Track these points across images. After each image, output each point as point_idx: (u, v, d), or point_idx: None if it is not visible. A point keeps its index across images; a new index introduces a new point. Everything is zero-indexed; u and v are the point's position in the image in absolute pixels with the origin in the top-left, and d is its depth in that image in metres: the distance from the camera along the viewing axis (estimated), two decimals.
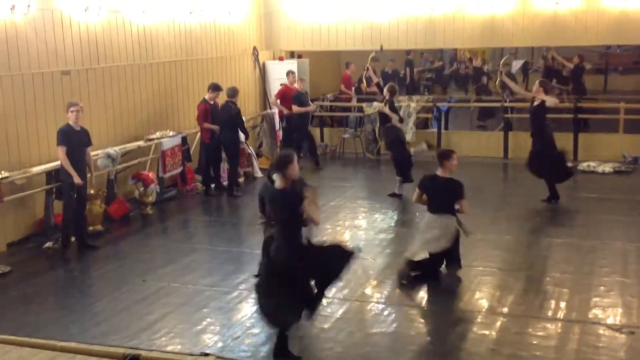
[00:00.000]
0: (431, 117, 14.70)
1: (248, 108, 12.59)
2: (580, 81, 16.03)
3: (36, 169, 8.76)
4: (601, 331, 5.98)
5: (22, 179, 8.54)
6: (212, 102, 11.19)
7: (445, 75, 19.79)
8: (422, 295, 6.92)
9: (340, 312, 6.55)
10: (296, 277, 5.56)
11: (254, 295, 6.99)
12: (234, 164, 11.29)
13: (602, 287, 6.90)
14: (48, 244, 8.50)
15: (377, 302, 6.75)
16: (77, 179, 8.15)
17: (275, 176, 5.65)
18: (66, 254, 8.26)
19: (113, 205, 9.68)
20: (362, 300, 6.83)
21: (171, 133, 11.09)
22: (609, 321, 6.17)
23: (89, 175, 8.64)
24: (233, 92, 11.37)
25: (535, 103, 9.81)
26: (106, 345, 5.54)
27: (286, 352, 5.61)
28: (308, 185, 5.80)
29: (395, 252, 8.22)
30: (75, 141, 8.26)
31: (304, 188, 5.54)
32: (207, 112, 11.08)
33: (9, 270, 7.72)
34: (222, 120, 11.12)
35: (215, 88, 11.23)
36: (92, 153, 9.60)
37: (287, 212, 5.54)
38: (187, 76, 12.11)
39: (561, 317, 6.31)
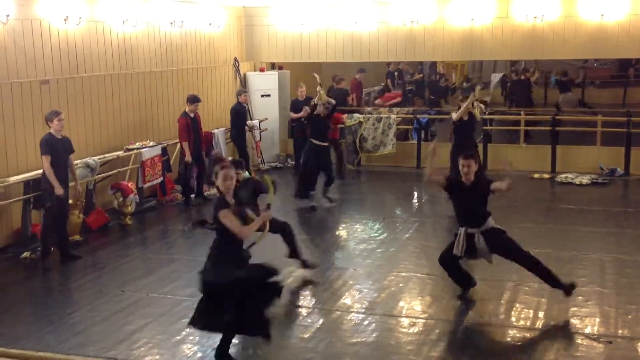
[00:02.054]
0: (411, 129, 14.80)
1: (229, 119, 12.61)
2: (527, 94, 16.76)
3: (14, 179, 8.66)
4: (579, 341, 6.03)
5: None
6: (192, 115, 11.09)
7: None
8: (402, 305, 6.93)
9: (321, 322, 6.55)
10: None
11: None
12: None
13: (580, 297, 6.95)
14: (25, 254, 8.41)
15: (357, 312, 6.75)
16: (58, 190, 8.08)
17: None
18: (44, 264, 8.17)
19: (92, 216, 9.60)
20: (343, 310, 6.83)
21: (151, 143, 11.04)
22: (587, 331, 6.21)
23: (72, 184, 8.57)
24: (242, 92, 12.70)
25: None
26: (84, 355, 5.51)
27: (226, 356, 5.60)
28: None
29: (376, 262, 8.25)
30: (58, 150, 8.19)
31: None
32: (189, 126, 10.98)
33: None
34: (237, 122, 12.33)
35: (193, 100, 11.11)
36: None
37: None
38: (168, 86, 12.08)
39: (539, 326, 6.35)
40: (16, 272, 8.06)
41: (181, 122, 10.97)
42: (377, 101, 17.04)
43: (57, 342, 6.11)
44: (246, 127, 12.67)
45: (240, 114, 12.50)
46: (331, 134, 11.83)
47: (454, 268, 6.96)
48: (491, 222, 6.80)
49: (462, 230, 6.79)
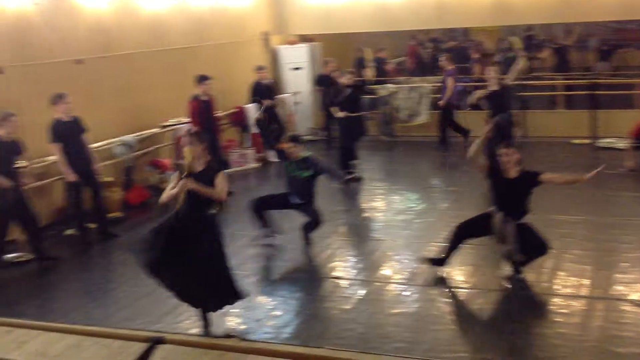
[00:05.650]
0: None
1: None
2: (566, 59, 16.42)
3: (53, 158, 8.76)
4: (625, 307, 5.92)
5: (40, 168, 8.57)
6: (205, 98, 10.07)
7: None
8: (443, 275, 6.89)
9: (361, 293, 6.54)
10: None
11: (274, 278, 7.08)
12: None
13: (625, 264, 6.83)
14: (69, 231, 8.55)
15: (398, 283, 6.73)
16: (70, 177, 8.06)
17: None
18: (87, 241, 8.32)
19: (131, 192, 9.72)
20: (383, 281, 6.83)
21: (186, 119, 11.06)
22: (633, 297, 6.10)
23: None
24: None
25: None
26: (131, 329, 5.59)
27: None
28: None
29: (414, 232, 8.21)
30: (69, 133, 8.07)
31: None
32: (200, 110, 10.06)
33: (32, 257, 7.77)
34: (252, 99, 12.14)
35: (203, 79, 10.07)
36: (109, 141, 9.68)
37: None
38: (199, 62, 12.03)
39: (584, 294, 6.27)
40: (61, 249, 8.18)
41: (192, 106, 10.07)
42: None
43: (104, 316, 6.23)
44: (263, 102, 12.21)
45: (254, 91, 12.30)
46: None
47: (461, 240, 6.65)
48: (527, 220, 6.47)
49: (498, 215, 6.35)
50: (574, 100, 14.53)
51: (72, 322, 5.75)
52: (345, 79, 10.85)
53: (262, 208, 7.82)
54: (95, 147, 8.83)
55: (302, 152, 7.77)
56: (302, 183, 7.71)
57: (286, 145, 7.79)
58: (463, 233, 6.68)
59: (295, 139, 7.87)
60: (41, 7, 8.85)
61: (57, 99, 8.06)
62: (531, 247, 6.38)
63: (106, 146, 9.60)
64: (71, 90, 9.13)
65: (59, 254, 7.95)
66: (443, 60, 12.96)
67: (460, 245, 6.71)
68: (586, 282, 6.48)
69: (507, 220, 6.33)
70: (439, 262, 6.76)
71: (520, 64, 10.78)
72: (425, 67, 17.99)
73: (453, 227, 6.74)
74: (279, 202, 7.88)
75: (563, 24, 16.67)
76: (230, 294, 5.78)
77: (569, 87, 14.58)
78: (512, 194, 6.39)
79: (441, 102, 12.48)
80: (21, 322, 4.93)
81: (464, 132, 12.48)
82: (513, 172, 6.37)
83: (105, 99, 9.96)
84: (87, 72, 9.63)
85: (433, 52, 18.55)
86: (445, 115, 12.69)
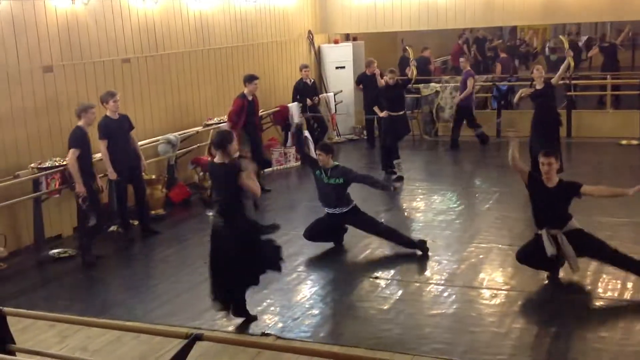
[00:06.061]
0: (490, 97, 14.43)
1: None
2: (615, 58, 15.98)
3: (98, 155, 8.95)
4: None
5: None
6: (250, 98, 10.17)
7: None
8: (483, 276, 6.82)
9: (400, 293, 6.52)
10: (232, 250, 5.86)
11: (312, 277, 7.12)
12: None
13: None
14: (112, 228, 8.71)
15: (437, 284, 6.68)
16: (111, 175, 8.24)
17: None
18: (130, 238, 8.48)
19: (174, 190, 9.86)
20: (422, 281, 6.79)
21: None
22: None
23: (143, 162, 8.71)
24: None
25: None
26: (169, 325, 5.70)
27: (244, 311, 6.01)
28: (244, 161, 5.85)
29: (454, 233, 8.14)
30: (116, 131, 8.25)
31: (243, 162, 5.79)
32: (244, 109, 10.09)
33: (75, 253, 7.95)
34: (295, 98, 12.24)
35: (252, 78, 10.14)
36: (153, 139, 9.85)
37: (227, 183, 5.81)
38: (244, 62, 12.17)
39: (628, 297, 6.13)
40: (105, 245, 8.33)
41: (237, 104, 10.12)
42: None
43: (144, 312, 6.34)
44: (307, 101, 12.32)
45: (296, 90, 12.39)
46: None
47: (536, 260, 6.50)
48: (574, 224, 6.33)
49: (543, 231, 6.30)
50: (622, 100, 14.21)
51: (113, 317, 5.88)
52: (387, 78, 10.81)
53: (316, 236, 7.77)
54: (140, 145, 8.98)
55: (332, 162, 7.64)
56: (335, 191, 7.57)
57: (317, 153, 7.71)
58: (527, 258, 6.52)
59: (325, 148, 7.72)
60: (90, 7, 9.05)
61: (107, 96, 8.29)
62: (597, 253, 6.30)
63: (150, 144, 9.76)
64: (118, 88, 9.35)
65: (102, 250, 8.12)
66: (463, 61, 13.04)
67: (540, 262, 6.46)
68: (630, 285, 6.33)
69: (554, 234, 6.26)
70: (553, 276, 6.55)
71: (567, 62, 10.53)
72: (470, 66, 17.77)
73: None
74: (325, 222, 7.76)
75: (612, 22, 16.29)
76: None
77: (617, 87, 14.25)
78: (552, 203, 6.32)
79: (458, 100, 12.63)
80: (64, 317, 5.08)
81: (455, 138, 12.68)
82: (553, 181, 6.32)
83: (151, 98, 10.14)
84: (133, 71, 9.82)
85: (477, 51, 18.34)
86: (461, 115, 12.70)
